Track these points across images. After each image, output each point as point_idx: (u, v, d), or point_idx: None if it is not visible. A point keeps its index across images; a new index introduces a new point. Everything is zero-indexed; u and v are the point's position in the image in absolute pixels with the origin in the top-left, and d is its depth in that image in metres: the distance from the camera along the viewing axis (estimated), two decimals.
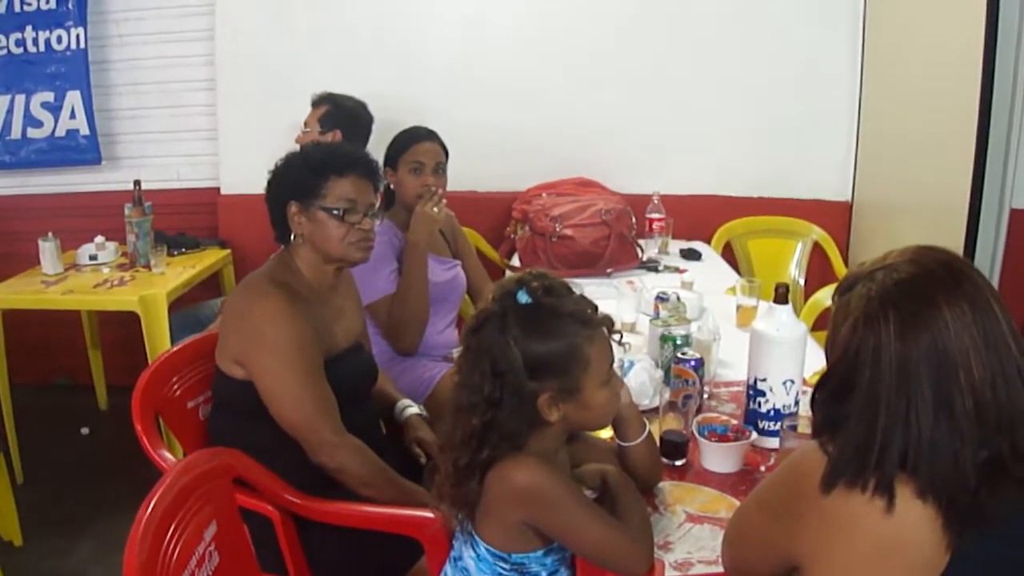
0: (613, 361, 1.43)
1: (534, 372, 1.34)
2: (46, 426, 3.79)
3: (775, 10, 3.70)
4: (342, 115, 3.26)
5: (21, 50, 3.98)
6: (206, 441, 2.00)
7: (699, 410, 1.89)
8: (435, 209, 2.62)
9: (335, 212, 1.92)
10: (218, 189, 4.02)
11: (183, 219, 3.90)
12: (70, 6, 3.90)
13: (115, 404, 4.03)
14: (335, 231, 1.92)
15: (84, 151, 3.97)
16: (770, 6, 3.70)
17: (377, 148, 3.02)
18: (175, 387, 2.04)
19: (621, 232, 3.30)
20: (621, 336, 1.45)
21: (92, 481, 3.44)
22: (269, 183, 1.99)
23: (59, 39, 3.93)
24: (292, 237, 1.96)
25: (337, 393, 1.89)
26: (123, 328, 3.51)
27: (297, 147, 3.10)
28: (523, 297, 1.35)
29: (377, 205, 2.06)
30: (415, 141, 2.73)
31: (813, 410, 1.16)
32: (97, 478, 3.45)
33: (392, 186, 2.73)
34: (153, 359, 2.94)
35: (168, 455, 1.89)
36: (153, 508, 1.38)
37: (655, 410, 1.84)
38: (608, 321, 1.42)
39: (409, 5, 3.79)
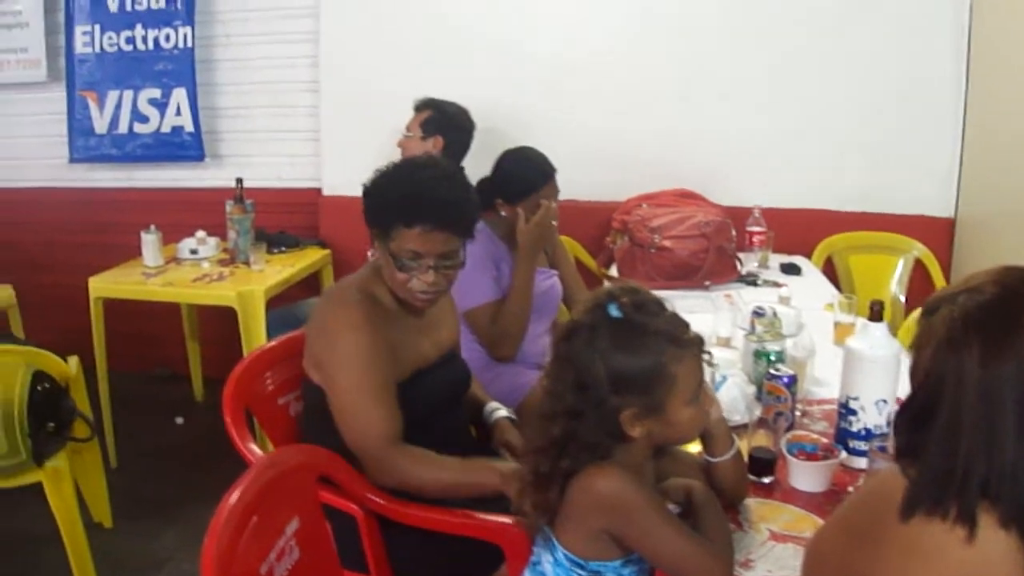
0: (702, 380, 1.44)
1: (618, 387, 1.35)
2: (142, 414, 4.00)
3: (878, 21, 3.64)
4: (444, 121, 3.33)
5: (131, 47, 4.21)
6: (295, 438, 2.07)
7: (790, 427, 1.89)
8: (554, 222, 2.69)
9: (397, 261, 1.88)
10: (319, 190, 4.14)
11: (284, 218, 4.04)
12: (179, 6, 4.11)
13: (210, 396, 4.22)
14: (397, 276, 1.89)
15: (188, 148, 4.18)
16: (873, 17, 3.64)
17: (479, 155, 3.13)
18: (267, 383, 2.13)
19: (720, 245, 3.28)
20: (711, 356, 1.45)
21: (183, 469, 3.61)
22: (364, 194, 1.97)
23: (167, 38, 4.14)
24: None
25: (428, 405, 1.92)
26: (221, 322, 3.64)
27: (399, 151, 3.28)
28: (614, 311, 1.37)
29: (461, 252, 1.95)
30: (542, 184, 2.73)
31: (895, 433, 1.15)
32: (188, 467, 3.62)
33: (503, 212, 2.74)
34: (248, 355, 3.13)
35: (256, 448, 1.96)
36: (236, 500, 1.44)
37: (745, 426, 1.84)
38: (699, 341, 1.42)
39: (513, 11, 3.83)
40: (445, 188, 1.87)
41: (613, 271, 3.46)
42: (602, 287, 1.50)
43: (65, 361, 2.74)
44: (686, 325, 1.42)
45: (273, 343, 2.24)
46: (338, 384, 1.85)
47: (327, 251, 3.98)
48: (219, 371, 3.99)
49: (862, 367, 1.77)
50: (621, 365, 1.35)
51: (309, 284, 3.85)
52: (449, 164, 2.06)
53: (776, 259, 3.54)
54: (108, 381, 3.57)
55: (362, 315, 1.86)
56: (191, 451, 3.78)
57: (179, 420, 4.05)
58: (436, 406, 1.96)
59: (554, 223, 2.74)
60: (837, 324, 2.57)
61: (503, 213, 2.74)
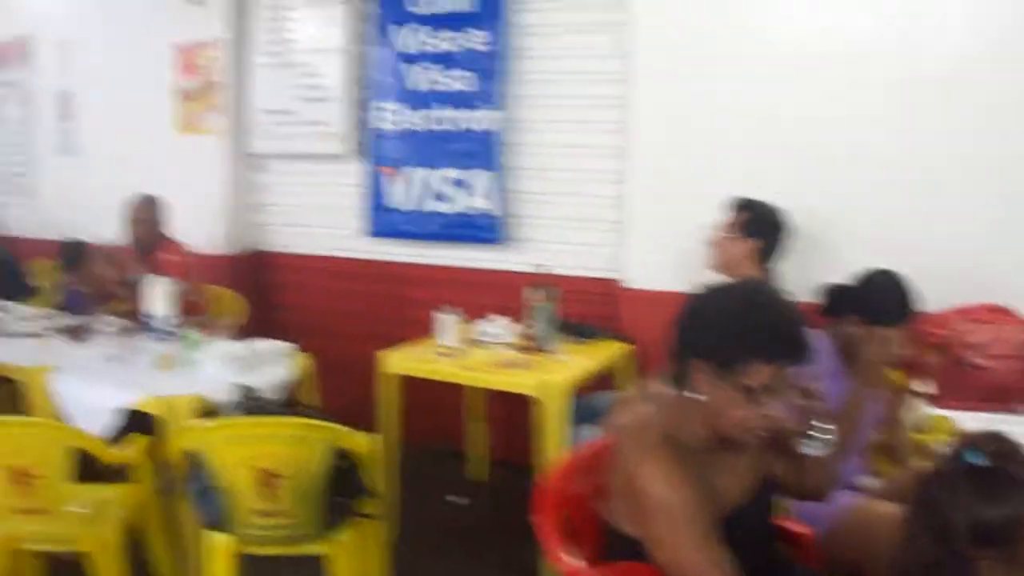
0: None
1: (979, 538, 1.37)
2: (424, 489, 4.29)
3: None
4: (764, 224, 3.49)
5: (434, 127, 4.71)
6: (605, 546, 2.12)
7: None
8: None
9: (745, 396, 1.85)
10: (618, 280, 4.32)
11: (582, 307, 4.26)
12: (487, 89, 4.55)
13: (494, 477, 4.51)
14: (737, 411, 1.86)
15: (488, 229, 4.57)
16: None
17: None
18: (580, 486, 2.26)
19: None
20: None
21: (463, 551, 3.81)
22: (684, 315, 1.94)
23: (472, 119, 4.59)
24: (687, 384, 1.92)
25: (744, 545, 1.91)
26: (509, 405, 3.92)
27: (705, 249, 3.53)
28: (974, 459, 1.39)
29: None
30: (910, 317, 2.85)
31: None
32: (467, 548, 3.82)
33: (851, 328, 2.85)
34: (549, 447, 3.33)
35: (570, 559, 2.06)
36: None
37: None
38: None
39: (845, 116, 3.82)
40: (799, 320, 1.89)
41: (925, 388, 3.40)
42: (957, 433, 1.54)
43: (362, 435, 2.96)
44: None
45: (586, 451, 2.40)
46: (659, 541, 1.87)
47: (627, 345, 4.12)
48: (504, 453, 4.24)
49: None
50: (985, 515, 1.36)
51: (604, 377, 3.99)
52: (782, 290, 2.11)
53: None
54: (399, 458, 3.91)
55: (674, 465, 1.87)
56: (472, 532, 3.98)
57: (459, 500, 4.33)
58: (754, 544, 1.98)
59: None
60: None
61: (851, 329, 2.85)
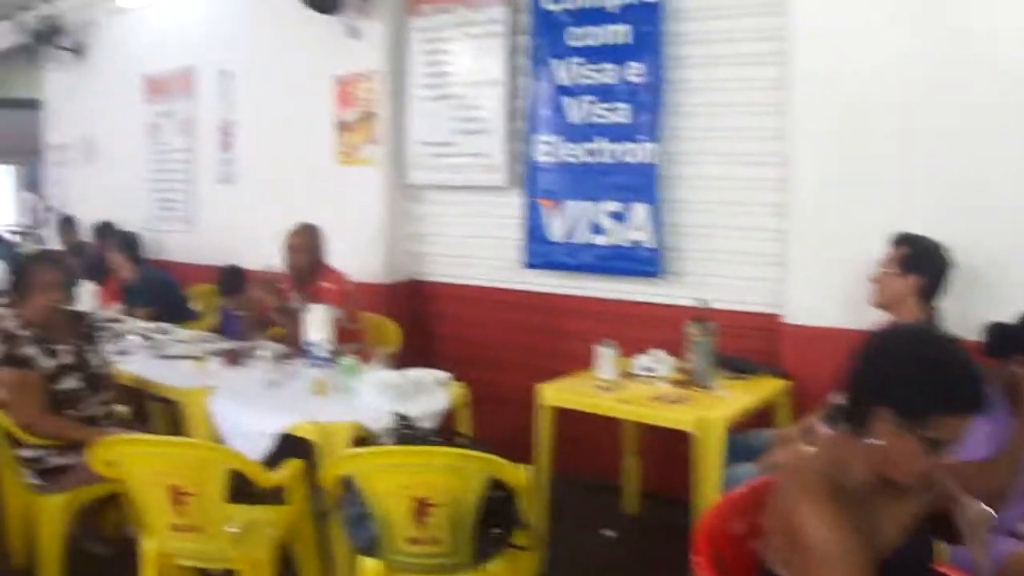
0: None
1: None
2: (575, 521, 4.47)
3: None
4: (924, 260, 3.51)
5: (592, 159, 4.92)
6: None
7: None
8: None
9: (931, 443, 1.88)
10: (778, 316, 4.39)
11: (740, 342, 4.35)
12: (643, 122, 4.73)
13: (646, 511, 4.66)
14: (917, 462, 1.91)
15: (646, 262, 4.74)
16: None
17: None
18: (737, 525, 2.35)
19: None
20: None
21: None
22: (865, 359, 1.99)
23: (630, 152, 4.78)
24: (863, 428, 1.96)
25: None
26: (663, 439, 4.00)
27: (868, 285, 3.64)
28: None
29: None
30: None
31: None
32: None
33: (1017, 368, 2.89)
34: (704, 483, 3.47)
35: None
36: None
37: None
38: None
39: (978, 146, 3.82)
40: (980, 370, 1.93)
41: None
42: None
43: (519, 467, 3.09)
44: None
45: (743, 489, 2.47)
46: None
47: (786, 383, 4.18)
48: (654, 486, 4.39)
49: None
50: None
51: (762, 414, 4.06)
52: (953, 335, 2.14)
53: None
54: (549, 489, 4.06)
55: (833, 506, 1.90)
56: (623, 566, 4.14)
57: (610, 533, 4.47)
58: None
59: None
60: None
61: (1016, 369, 2.89)
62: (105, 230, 7.46)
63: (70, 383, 3.94)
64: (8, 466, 4.02)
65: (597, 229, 4.98)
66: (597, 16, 4.94)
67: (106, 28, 8.47)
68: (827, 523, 1.89)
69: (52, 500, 3.79)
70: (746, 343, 4.43)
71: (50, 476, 3.85)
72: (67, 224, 8.76)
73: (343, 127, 6.03)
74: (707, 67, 4.70)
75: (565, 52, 5.06)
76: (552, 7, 5.10)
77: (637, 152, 4.83)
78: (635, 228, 4.85)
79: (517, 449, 3.39)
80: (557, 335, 5.08)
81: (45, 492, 3.82)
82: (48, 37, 8.67)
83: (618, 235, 4.91)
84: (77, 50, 8.77)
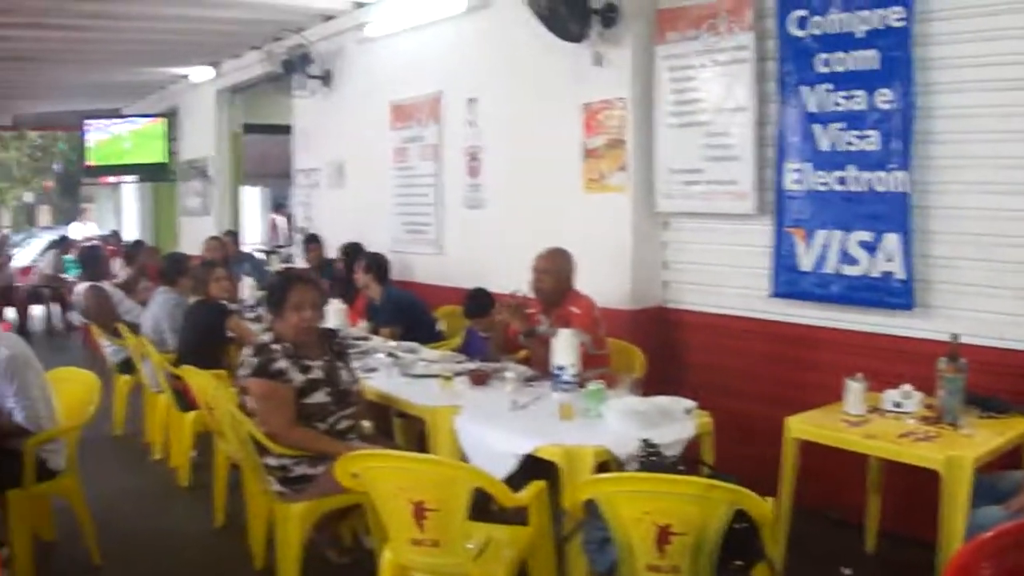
0: None
1: None
2: (812, 558, 4.75)
3: None
4: None
5: (842, 188, 5.28)
6: None
7: None
8: None
9: None
10: None
11: (992, 379, 4.50)
12: (894, 149, 5.04)
13: (885, 550, 4.93)
14: None
15: (896, 294, 5.06)
16: None
17: None
18: (987, 569, 2.52)
19: None
20: None
21: None
22: None
23: (881, 180, 5.10)
24: None
25: None
26: (906, 477, 4.26)
27: None
28: None
29: None
30: None
31: None
32: None
33: None
34: (951, 525, 3.74)
35: None
36: None
37: None
38: None
39: None
40: None
41: None
42: None
43: (765, 499, 3.30)
44: None
45: (995, 532, 2.63)
46: None
47: None
48: (892, 524, 4.74)
49: None
50: None
51: (1009, 455, 4.18)
52: None
53: None
54: (789, 522, 4.37)
55: None
56: None
57: (847, 571, 4.75)
58: None
59: None
60: None
61: None
62: (353, 251, 8.43)
63: (319, 397, 4.54)
64: (254, 473, 4.64)
65: (847, 259, 5.31)
66: (845, 41, 5.27)
67: (354, 56, 9.55)
68: None
69: (294, 508, 4.36)
70: (999, 380, 4.58)
71: (293, 484, 4.43)
72: (313, 243, 9.89)
73: (590, 154, 6.63)
74: (958, 93, 4.93)
75: (813, 78, 5.43)
76: (799, 33, 5.48)
77: (888, 180, 5.12)
78: (885, 259, 5.14)
79: (759, 480, 3.56)
80: (804, 366, 5.47)
81: (288, 500, 4.40)
82: (297, 66, 9.77)
83: (868, 265, 5.22)
84: (325, 78, 9.87)
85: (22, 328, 13.80)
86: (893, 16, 5.05)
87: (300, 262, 10.29)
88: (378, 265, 7.46)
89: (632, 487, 3.39)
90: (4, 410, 4.67)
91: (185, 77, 13.77)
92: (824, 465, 4.58)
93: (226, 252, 10.19)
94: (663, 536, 3.21)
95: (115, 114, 16.51)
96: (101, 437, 7.45)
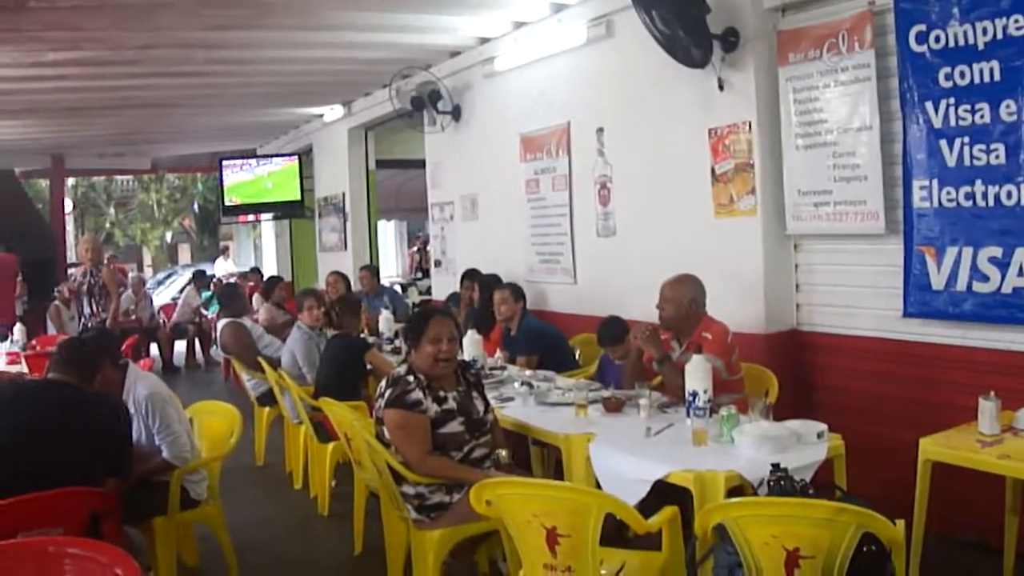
0: None
1: None
2: None
3: None
4: None
5: (970, 203, 5.36)
6: None
7: None
8: None
9: None
10: None
11: None
12: (1022, 163, 5.10)
13: (1019, 573, 4.91)
14: None
15: None
16: None
17: None
18: None
19: None
20: None
21: None
22: None
23: (1009, 195, 5.16)
24: None
25: None
26: None
27: None
28: None
29: None
30: None
31: None
32: None
33: None
34: None
35: None
36: None
37: None
38: None
39: None
40: None
41: None
42: None
43: (894, 524, 3.36)
44: None
45: None
46: None
47: None
48: None
49: None
50: None
51: None
52: None
53: None
54: (922, 546, 4.43)
55: None
56: None
57: None
58: None
59: None
60: None
61: None
62: (490, 282, 8.71)
63: (453, 427, 4.80)
64: (392, 501, 4.90)
65: (978, 275, 5.39)
66: (966, 54, 5.33)
67: (482, 90, 9.95)
68: None
69: (431, 535, 4.61)
70: None
71: (430, 512, 4.68)
72: (447, 275, 10.28)
73: (719, 179, 6.85)
74: None
75: (936, 93, 5.52)
76: (920, 48, 5.57)
77: (1016, 194, 5.19)
78: (1018, 275, 5.20)
79: (891, 503, 3.67)
80: (937, 386, 5.57)
81: (424, 527, 4.66)
82: (427, 102, 10.21)
83: (999, 282, 5.30)
84: (455, 112, 10.28)
85: (166, 364, 14.70)
86: (1013, 25, 5.10)
87: (437, 295, 10.63)
88: (515, 295, 7.75)
89: (759, 511, 3.50)
90: (154, 448, 5.15)
91: (319, 116, 14.42)
92: (960, 487, 4.66)
93: (346, 287, 10.63)
94: (792, 560, 3.30)
95: (250, 154, 17.35)
96: (243, 468, 8.01)
